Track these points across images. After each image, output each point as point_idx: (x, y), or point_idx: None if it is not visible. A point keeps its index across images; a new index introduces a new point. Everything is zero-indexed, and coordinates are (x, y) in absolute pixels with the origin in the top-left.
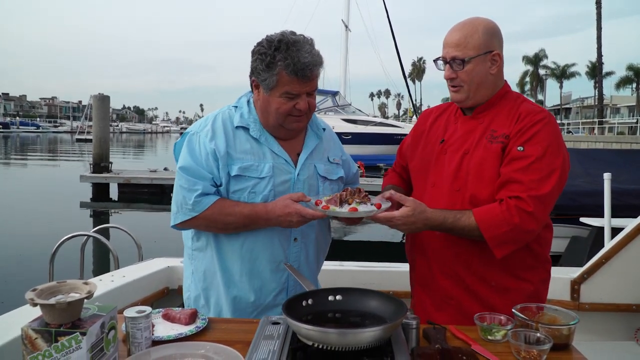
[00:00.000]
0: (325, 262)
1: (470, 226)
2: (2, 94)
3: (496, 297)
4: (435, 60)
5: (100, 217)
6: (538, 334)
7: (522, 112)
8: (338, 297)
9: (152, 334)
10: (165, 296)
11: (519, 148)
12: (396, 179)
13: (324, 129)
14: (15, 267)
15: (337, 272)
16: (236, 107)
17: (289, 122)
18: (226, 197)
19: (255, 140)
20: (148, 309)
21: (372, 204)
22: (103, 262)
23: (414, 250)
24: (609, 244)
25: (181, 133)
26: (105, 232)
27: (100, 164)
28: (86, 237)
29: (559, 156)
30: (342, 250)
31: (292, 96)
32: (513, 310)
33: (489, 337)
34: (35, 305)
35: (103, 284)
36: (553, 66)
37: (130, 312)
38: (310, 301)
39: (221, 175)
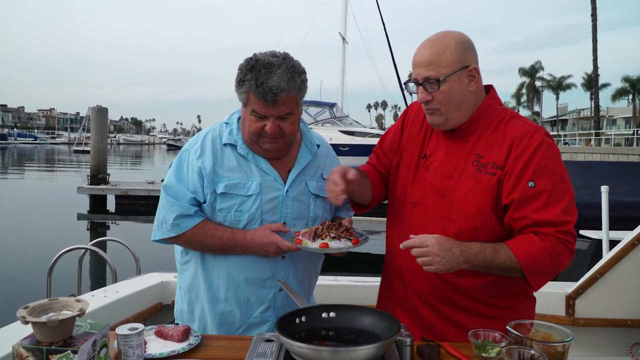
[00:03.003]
0: (320, 277)
1: (510, 261)
2: (0, 105)
3: (479, 324)
4: (405, 83)
5: (97, 230)
6: (532, 351)
7: (515, 137)
8: (332, 314)
9: (145, 352)
10: (159, 312)
11: (529, 184)
12: (371, 169)
13: (318, 145)
14: (12, 281)
15: (331, 287)
16: (227, 123)
17: (262, 142)
18: (210, 216)
19: (242, 157)
20: (140, 326)
21: (351, 239)
22: (101, 275)
23: (390, 273)
24: (603, 258)
25: (169, 145)
26: (102, 245)
27: (98, 176)
28: (84, 250)
29: (567, 177)
30: (339, 263)
31: (259, 116)
32: (507, 327)
33: (483, 354)
34: (26, 323)
35: (96, 299)
36: (549, 78)
37: (122, 330)
38: (303, 318)
39: (206, 192)
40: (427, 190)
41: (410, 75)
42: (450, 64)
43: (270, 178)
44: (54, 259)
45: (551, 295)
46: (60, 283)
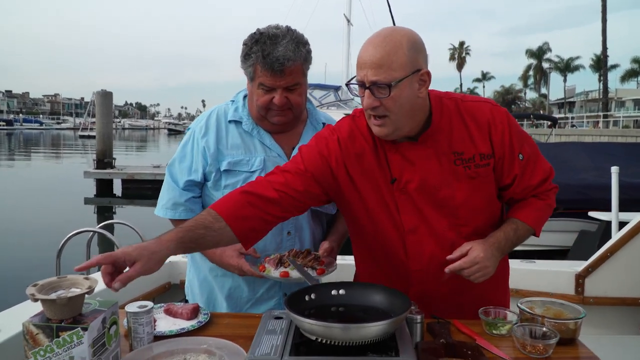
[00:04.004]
0: None
1: (528, 232)
2: (5, 91)
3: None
4: (347, 84)
5: (104, 213)
6: (544, 329)
7: (486, 121)
8: (341, 292)
9: (154, 329)
10: (167, 291)
11: (520, 157)
12: (258, 222)
13: (323, 124)
14: (22, 264)
15: (338, 265)
16: (233, 101)
17: (271, 115)
18: (216, 195)
19: (247, 133)
20: (150, 304)
21: (316, 268)
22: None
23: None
24: (614, 237)
25: (169, 129)
26: (110, 228)
27: (104, 160)
28: (92, 233)
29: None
30: (347, 243)
31: (267, 89)
32: (518, 304)
33: (494, 332)
34: (36, 300)
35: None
36: (557, 59)
37: (132, 307)
38: (313, 295)
39: (210, 171)
40: (421, 212)
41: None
42: (402, 67)
43: (274, 154)
44: (63, 242)
45: (560, 274)
46: (69, 266)
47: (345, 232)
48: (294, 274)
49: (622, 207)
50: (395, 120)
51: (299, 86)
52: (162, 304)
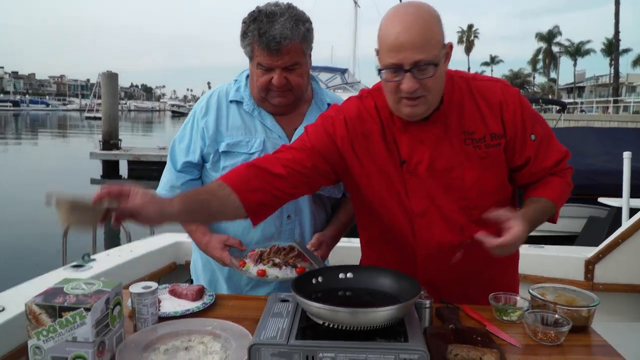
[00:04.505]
0: None
1: (552, 209)
2: (12, 72)
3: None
4: (380, 71)
5: None
6: (556, 316)
7: (499, 101)
8: (349, 275)
9: (159, 310)
10: (173, 271)
11: (532, 137)
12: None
13: (329, 104)
14: (29, 244)
15: (345, 249)
16: (236, 80)
17: (271, 96)
18: (215, 176)
19: (248, 114)
20: (154, 284)
21: (297, 266)
22: (115, 237)
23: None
24: (625, 223)
25: (173, 112)
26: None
27: (110, 142)
28: None
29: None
30: (354, 227)
31: (265, 69)
32: (530, 290)
33: (504, 318)
34: (53, 203)
35: (111, 259)
36: (567, 43)
37: (136, 288)
38: (320, 279)
39: (208, 152)
40: (431, 194)
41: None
42: (438, 43)
43: (274, 135)
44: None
45: (570, 260)
46: (75, 245)
47: (348, 221)
48: (271, 272)
49: (633, 193)
50: (430, 100)
51: (299, 66)
52: (167, 285)
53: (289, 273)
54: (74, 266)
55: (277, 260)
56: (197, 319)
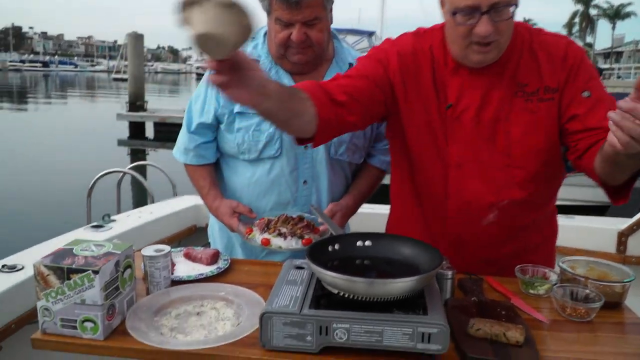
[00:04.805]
0: None
1: None
2: (41, 32)
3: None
4: (455, 14)
5: (137, 155)
6: (587, 291)
7: (561, 54)
8: (367, 243)
9: (173, 273)
10: (193, 234)
11: (584, 94)
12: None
13: (350, 64)
14: (55, 203)
15: (367, 215)
16: (253, 38)
17: (290, 53)
18: (230, 138)
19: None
20: (166, 248)
21: (303, 237)
22: (139, 199)
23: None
24: None
25: (197, 74)
26: (142, 170)
27: (136, 103)
28: (122, 173)
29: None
30: (376, 194)
31: (284, 24)
32: (559, 264)
33: (531, 291)
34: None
35: (130, 220)
36: (606, 6)
37: (148, 251)
38: (336, 246)
39: (223, 113)
40: (473, 144)
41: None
42: None
43: None
44: (92, 182)
45: (601, 232)
46: (100, 206)
47: (368, 190)
48: (275, 242)
49: None
50: (502, 44)
51: (319, 21)
52: (182, 248)
53: (293, 244)
54: (94, 226)
55: (283, 230)
56: (210, 284)
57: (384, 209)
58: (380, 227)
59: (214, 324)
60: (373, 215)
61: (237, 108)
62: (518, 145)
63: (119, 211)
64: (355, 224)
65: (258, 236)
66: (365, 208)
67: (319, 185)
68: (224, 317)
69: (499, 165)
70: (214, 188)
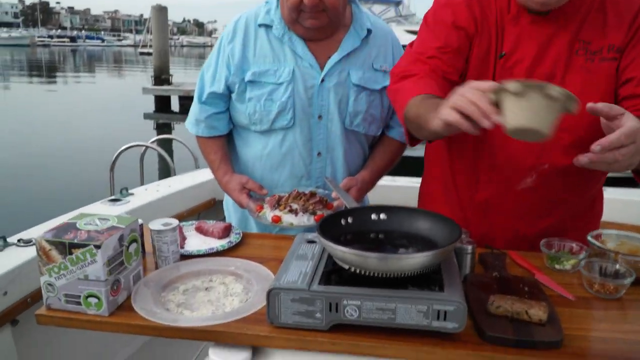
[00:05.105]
0: None
1: None
2: (68, 7)
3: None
4: None
5: (162, 129)
6: (617, 266)
7: (635, 11)
8: (382, 216)
9: (184, 247)
10: (212, 207)
11: None
12: (437, 88)
13: (369, 31)
14: (81, 177)
15: (387, 188)
16: (267, 2)
17: (303, 18)
18: (241, 108)
19: (277, 40)
20: (174, 221)
21: (316, 213)
22: (164, 174)
23: (464, 209)
24: None
25: None
26: (167, 144)
27: (161, 77)
28: (144, 147)
29: None
30: (397, 166)
31: None
32: (588, 237)
33: (557, 267)
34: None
35: (148, 193)
36: None
37: (156, 225)
38: (350, 219)
39: (234, 81)
40: None
41: None
42: None
43: (305, 64)
44: (115, 156)
45: (633, 204)
46: (124, 180)
47: (386, 164)
48: (287, 218)
49: None
50: None
51: None
52: (194, 221)
53: (305, 221)
54: (112, 200)
55: (294, 207)
56: (220, 258)
57: (406, 182)
58: (401, 201)
59: (222, 300)
60: (394, 188)
61: (248, 76)
62: None
63: (142, 183)
64: (375, 199)
65: (269, 213)
66: (386, 180)
67: (333, 158)
68: (233, 292)
69: None
70: (225, 162)
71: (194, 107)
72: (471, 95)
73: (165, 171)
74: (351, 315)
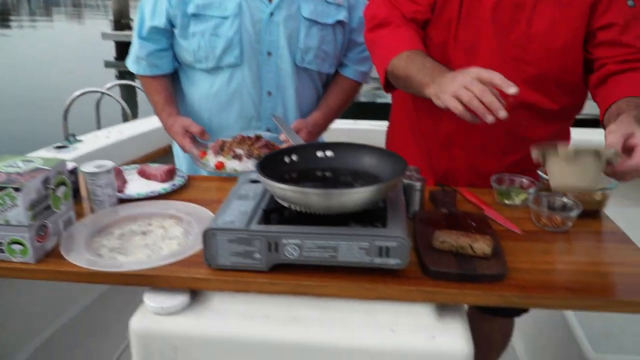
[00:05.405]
0: (337, 120)
1: None
2: None
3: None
4: None
5: (125, 77)
6: (565, 199)
7: None
8: (328, 154)
9: (124, 192)
10: (167, 155)
11: (629, 2)
12: (417, 39)
13: None
14: (36, 123)
15: (348, 131)
16: None
17: None
18: (185, 44)
19: None
20: (109, 163)
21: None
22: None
23: (428, 143)
24: None
25: None
26: (132, 92)
27: (121, 21)
28: (100, 94)
29: None
30: (361, 109)
31: None
32: (538, 171)
33: (507, 202)
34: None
35: (99, 140)
36: None
37: (88, 167)
38: (294, 157)
39: (175, 14)
40: (484, 29)
41: None
42: None
43: None
44: (68, 102)
45: (589, 143)
46: (80, 129)
47: (339, 106)
48: (230, 165)
49: None
50: None
51: None
52: (136, 165)
53: (250, 166)
54: (58, 147)
55: (238, 152)
56: (161, 202)
57: (370, 125)
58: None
59: (159, 244)
60: (358, 132)
61: (191, 9)
62: (536, 39)
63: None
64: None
65: (212, 159)
66: (350, 124)
67: (284, 98)
68: (172, 236)
69: (508, 57)
70: (169, 104)
71: (134, 43)
72: (475, 88)
73: (126, 120)
74: (291, 254)
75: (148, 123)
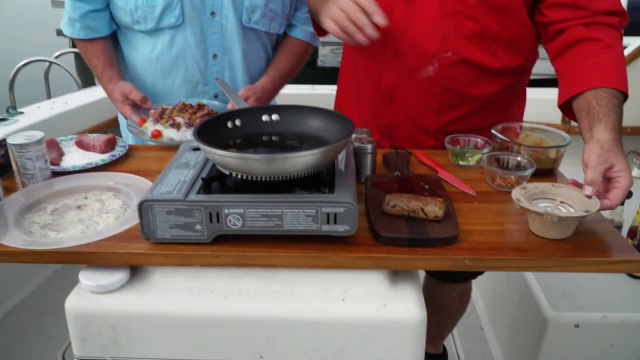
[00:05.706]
0: (294, 86)
1: (616, 95)
2: None
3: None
4: None
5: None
6: (519, 158)
7: None
8: (274, 117)
9: (60, 164)
10: (117, 127)
11: None
12: None
13: None
14: None
15: (306, 96)
16: None
17: None
18: (122, 6)
19: None
20: (39, 133)
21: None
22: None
23: (372, 99)
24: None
25: None
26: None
27: None
28: (48, 63)
29: None
30: (333, 79)
31: None
32: (492, 131)
33: (461, 163)
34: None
35: (42, 111)
36: None
37: (16, 138)
38: (237, 122)
39: None
40: None
41: None
42: None
43: None
44: (14, 72)
45: (546, 102)
46: (30, 99)
47: (289, 70)
48: (167, 133)
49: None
50: None
51: None
52: (73, 135)
53: (188, 136)
54: None
55: (177, 120)
56: (99, 173)
57: (327, 89)
58: None
59: (95, 218)
60: (314, 97)
61: None
62: None
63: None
64: None
65: (150, 127)
66: (306, 89)
67: (231, 61)
68: (109, 209)
69: (448, 10)
70: (109, 68)
71: (67, 4)
72: (348, 9)
73: (73, 90)
74: (234, 224)
75: (98, 92)
